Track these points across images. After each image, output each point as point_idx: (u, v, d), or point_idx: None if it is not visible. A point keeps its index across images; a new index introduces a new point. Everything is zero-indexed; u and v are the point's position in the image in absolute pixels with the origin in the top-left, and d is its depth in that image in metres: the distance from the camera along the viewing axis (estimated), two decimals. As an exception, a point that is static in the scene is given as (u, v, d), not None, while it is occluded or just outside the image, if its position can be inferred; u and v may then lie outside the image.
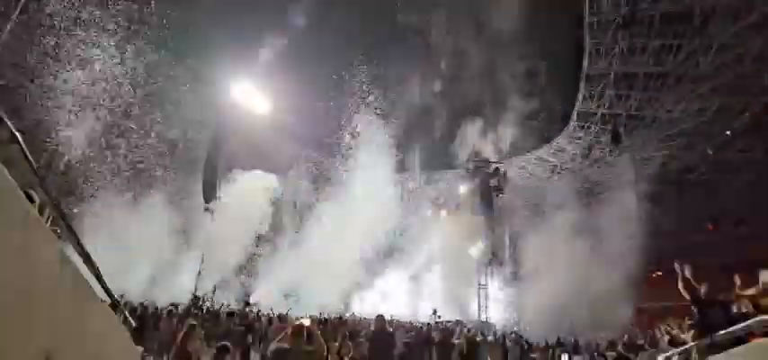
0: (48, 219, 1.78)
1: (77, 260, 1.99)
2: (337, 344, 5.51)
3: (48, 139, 16.25)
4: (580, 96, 20.28)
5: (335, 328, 10.81)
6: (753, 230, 17.16)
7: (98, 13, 16.73)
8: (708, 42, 15.51)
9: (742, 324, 3.34)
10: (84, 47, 16.57)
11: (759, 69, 15.17)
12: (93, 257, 2.07)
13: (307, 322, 3.98)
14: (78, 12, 16.05)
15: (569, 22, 18.97)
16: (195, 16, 20.24)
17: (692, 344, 4.09)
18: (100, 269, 2.12)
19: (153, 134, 20.18)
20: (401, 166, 23.61)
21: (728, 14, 14.47)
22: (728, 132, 18.11)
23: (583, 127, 22.13)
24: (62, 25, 15.77)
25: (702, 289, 4.27)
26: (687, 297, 4.34)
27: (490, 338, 14.01)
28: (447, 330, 11.19)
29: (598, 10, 16.60)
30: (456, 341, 8.87)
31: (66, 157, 16.88)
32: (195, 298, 15.32)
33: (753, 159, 17.94)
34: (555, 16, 20.84)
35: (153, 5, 18.19)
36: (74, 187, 17.78)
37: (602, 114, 20.76)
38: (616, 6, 16.25)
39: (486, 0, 23.72)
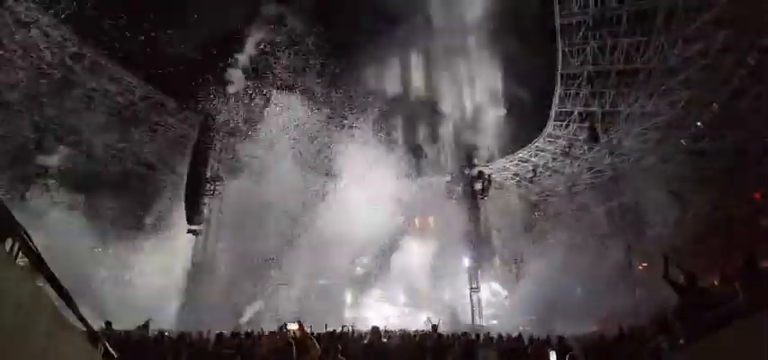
0: (17, 255, 1.72)
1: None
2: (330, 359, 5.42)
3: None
4: (557, 96, 20.78)
5: (328, 343, 10.60)
6: (726, 216, 17.77)
7: None
8: (673, 38, 16.14)
9: (721, 307, 3.44)
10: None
11: (723, 61, 15.84)
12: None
13: (294, 327, 3.88)
14: None
15: (544, 25, 19.44)
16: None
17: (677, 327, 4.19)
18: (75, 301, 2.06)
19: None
20: (386, 175, 23.55)
21: (690, 10, 15.10)
22: (699, 123, 18.76)
23: (561, 126, 22.67)
24: None
25: (681, 277, 4.40)
26: (670, 285, 4.47)
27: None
28: (441, 338, 11.09)
29: (569, 12, 17.14)
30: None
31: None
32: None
33: (723, 148, 18.62)
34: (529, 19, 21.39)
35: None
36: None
37: (579, 113, 21.34)
38: (585, 8, 16.81)
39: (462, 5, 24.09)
